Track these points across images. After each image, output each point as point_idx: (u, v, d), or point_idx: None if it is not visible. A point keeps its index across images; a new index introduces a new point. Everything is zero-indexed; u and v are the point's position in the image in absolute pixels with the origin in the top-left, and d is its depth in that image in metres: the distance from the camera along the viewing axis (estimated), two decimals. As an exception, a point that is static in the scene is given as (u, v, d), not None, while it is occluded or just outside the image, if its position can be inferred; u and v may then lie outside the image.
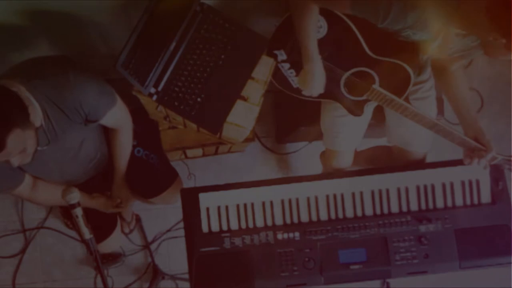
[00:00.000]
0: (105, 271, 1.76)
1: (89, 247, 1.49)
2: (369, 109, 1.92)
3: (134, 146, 1.91)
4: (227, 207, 1.67)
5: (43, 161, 1.60)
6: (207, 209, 1.67)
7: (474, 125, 1.65)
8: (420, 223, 1.66)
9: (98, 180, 1.93)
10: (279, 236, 1.65)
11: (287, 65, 1.85)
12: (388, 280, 2.41)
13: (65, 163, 1.70)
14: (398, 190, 1.69)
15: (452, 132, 1.61)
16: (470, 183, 1.70)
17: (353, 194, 1.69)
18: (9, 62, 1.92)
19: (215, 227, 1.67)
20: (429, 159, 1.93)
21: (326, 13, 1.64)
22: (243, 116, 1.79)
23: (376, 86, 1.65)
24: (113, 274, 2.47)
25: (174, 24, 1.69)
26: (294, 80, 1.87)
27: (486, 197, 1.70)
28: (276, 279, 1.63)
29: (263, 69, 1.80)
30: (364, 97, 1.72)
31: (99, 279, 2.41)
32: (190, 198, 1.67)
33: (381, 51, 1.66)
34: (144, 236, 2.53)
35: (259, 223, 1.67)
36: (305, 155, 2.63)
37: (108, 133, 1.82)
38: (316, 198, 1.68)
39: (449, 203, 1.70)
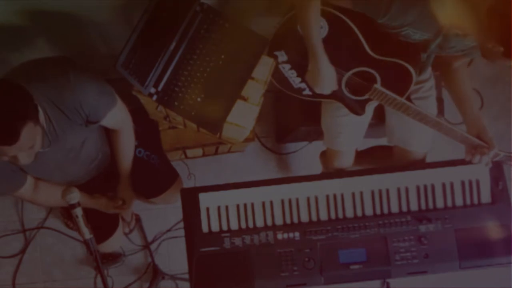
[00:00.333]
0: (105, 271, 1.76)
1: (89, 247, 1.49)
2: (369, 109, 1.92)
3: (135, 147, 1.91)
4: (227, 207, 1.67)
5: (45, 162, 1.60)
6: (207, 209, 1.67)
7: (477, 122, 1.65)
8: (420, 223, 1.66)
9: (100, 180, 1.93)
10: (279, 236, 1.65)
11: (288, 66, 1.85)
12: (388, 280, 2.41)
13: (67, 164, 1.70)
14: (398, 190, 1.69)
15: (454, 130, 1.61)
16: (470, 183, 1.70)
17: (353, 194, 1.69)
18: (9, 62, 1.93)
19: (215, 227, 1.67)
20: (429, 159, 1.93)
21: (326, 14, 1.64)
22: (243, 116, 1.79)
23: (378, 85, 1.65)
24: (113, 274, 2.47)
25: (174, 24, 1.69)
26: (295, 80, 1.87)
27: (486, 197, 1.70)
28: (276, 279, 1.63)
29: (263, 69, 1.80)
30: (365, 97, 1.72)
31: (99, 279, 2.41)
32: (190, 198, 1.67)
33: (382, 51, 1.66)
34: (144, 236, 2.53)
35: (259, 223, 1.67)
36: (305, 155, 2.63)
37: (109, 135, 1.83)
38: (316, 198, 1.68)
39: (449, 203, 1.70)
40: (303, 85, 1.88)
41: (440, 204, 1.70)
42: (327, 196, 1.68)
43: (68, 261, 2.53)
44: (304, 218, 1.68)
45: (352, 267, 1.64)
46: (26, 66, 1.51)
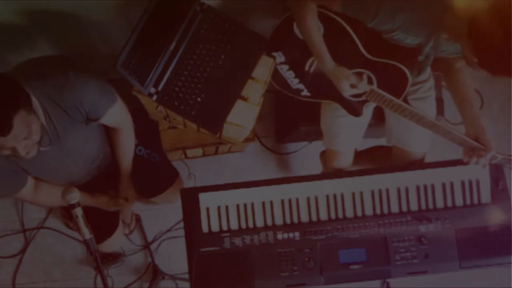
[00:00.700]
0: (105, 271, 1.76)
1: (89, 247, 1.49)
2: (368, 109, 1.92)
3: (135, 145, 1.91)
4: (227, 207, 1.67)
5: (46, 161, 1.60)
6: (207, 209, 1.67)
7: (476, 122, 1.65)
8: (420, 223, 1.66)
9: (101, 180, 1.93)
10: (279, 236, 1.65)
11: (286, 67, 1.85)
12: (388, 280, 2.42)
13: (68, 163, 1.70)
14: (398, 190, 1.69)
15: (452, 131, 1.61)
16: (470, 183, 1.70)
17: (353, 194, 1.69)
18: (9, 62, 1.93)
19: (215, 227, 1.67)
20: (429, 159, 1.93)
21: (321, 16, 1.64)
22: (243, 116, 1.79)
23: (374, 87, 1.66)
24: (113, 274, 2.47)
25: (174, 24, 1.69)
26: (293, 81, 1.87)
27: (486, 197, 1.70)
28: (276, 279, 1.63)
29: (263, 69, 1.80)
30: (362, 98, 1.72)
31: (99, 279, 2.41)
32: (190, 198, 1.67)
33: (378, 53, 1.66)
34: (144, 236, 2.53)
35: (259, 223, 1.67)
36: (305, 155, 2.63)
37: (110, 134, 1.83)
38: (316, 198, 1.68)
39: (449, 203, 1.70)
40: (301, 86, 1.88)
41: (440, 204, 1.70)
42: (327, 196, 1.68)
43: (68, 261, 2.53)
44: (304, 218, 1.68)
45: (352, 267, 1.64)
46: (26, 65, 1.52)
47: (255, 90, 1.80)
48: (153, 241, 2.54)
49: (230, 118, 1.77)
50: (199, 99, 1.74)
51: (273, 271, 1.63)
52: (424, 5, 1.39)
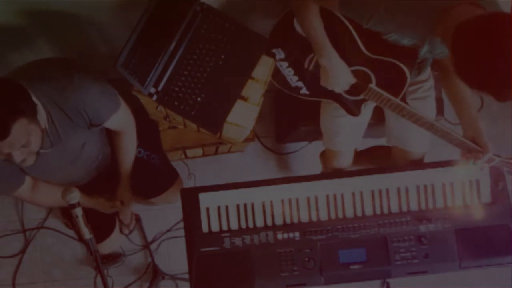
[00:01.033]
0: (105, 271, 1.76)
1: (89, 247, 1.49)
2: (368, 109, 1.92)
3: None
4: (227, 207, 1.67)
5: (46, 162, 1.60)
6: (207, 209, 1.67)
7: (473, 125, 1.65)
8: (420, 223, 1.66)
9: (100, 181, 1.93)
10: (279, 236, 1.65)
11: (285, 64, 1.85)
12: (388, 280, 2.42)
13: (67, 165, 1.70)
14: (398, 190, 1.69)
15: (450, 133, 1.61)
16: (470, 183, 1.70)
17: (353, 194, 1.69)
18: (9, 62, 1.93)
19: (215, 227, 1.66)
20: (429, 159, 1.93)
21: (322, 12, 1.64)
22: (243, 116, 1.79)
23: (372, 85, 1.65)
24: (113, 274, 2.47)
25: (174, 24, 1.69)
26: (292, 79, 1.87)
27: (486, 197, 1.70)
28: (276, 279, 1.63)
29: (263, 69, 1.80)
30: (361, 97, 1.72)
31: (99, 279, 2.40)
32: (190, 198, 1.67)
33: (377, 50, 1.66)
34: (144, 236, 2.53)
35: (259, 223, 1.67)
36: (305, 155, 2.63)
37: (111, 136, 1.82)
38: (316, 198, 1.68)
39: (449, 203, 1.70)
40: (300, 84, 1.88)
41: (440, 204, 1.70)
42: (327, 196, 1.68)
43: (68, 261, 2.53)
44: (304, 218, 1.68)
45: (352, 267, 1.64)
46: (29, 67, 1.51)
47: (255, 90, 1.80)
48: (153, 241, 2.54)
49: (230, 118, 1.77)
50: (199, 99, 1.74)
51: (273, 271, 1.63)
52: (418, 9, 1.39)
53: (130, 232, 2.42)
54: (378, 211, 1.69)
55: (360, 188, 1.69)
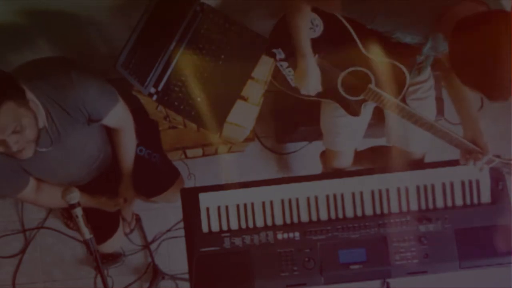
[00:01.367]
0: (105, 271, 1.76)
1: (89, 247, 1.49)
2: (368, 109, 1.92)
3: (136, 145, 1.91)
4: (227, 207, 1.67)
5: (46, 161, 1.60)
6: (207, 209, 1.67)
7: (474, 125, 1.65)
8: (420, 223, 1.66)
9: (101, 180, 1.93)
10: (279, 236, 1.65)
11: (285, 64, 1.85)
12: (388, 280, 2.41)
13: (68, 164, 1.70)
14: (398, 190, 1.69)
15: (449, 133, 1.61)
16: (470, 183, 1.70)
17: (353, 194, 1.69)
18: (9, 62, 1.93)
19: (215, 227, 1.67)
20: (429, 159, 1.93)
21: (322, 13, 1.64)
22: (243, 116, 1.79)
23: (372, 86, 1.66)
24: (113, 274, 2.47)
25: (174, 24, 1.69)
26: (292, 79, 1.87)
27: (486, 197, 1.70)
28: (276, 279, 1.63)
29: (263, 69, 1.80)
30: (361, 97, 1.72)
31: (99, 279, 2.40)
32: (190, 198, 1.67)
33: (377, 51, 1.66)
34: (144, 236, 2.53)
35: (259, 223, 1.67)
36: (305, 155, 2.63)
37: (111, 134, 1.83)
38: (316, 198, 1.68)
39: (449, 203, 1.70)
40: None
41: (440, 204, 1.69)
42: (327, 196, 1.68)
43: (68, 261, 2.53)
44: (304, 218, 1.68)
45: (352, 267, 1.64)
46: (27, 66, 1.52)
47: (255, 90, 1.80)
48: (153, 241, 2.54)
49: (230, 118, 1.77)
50: (199, 99, 1.74)
51: (273, 271, 1.63)
52: (421, 7, 1.39)
53: (131, 231, 2.43)
54: (378, 211, 1.69)
55: (360, 188, 1.69)
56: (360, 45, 1.66)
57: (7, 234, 2.51)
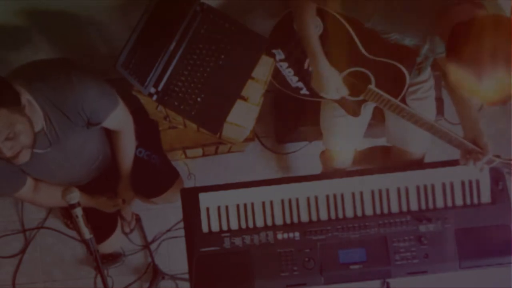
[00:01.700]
0: (105, 271, 1.76)
1: (89, 247, 1.49)
2: (368, 109, 1.92)
3: (136, 147, 1.91)
4: (227, 207, 1.67)
5: (45, 163, 1.60)
6: (207, 209, 1.67)
7: (474, 126, 1.65)
8: (420, 223, 1.66)
9: (100, 181, 1.93)
10: (279, 236, 1.65)
11: (285, 64, 1.85)
12: (388, 280, 2.41)
13: (68, 165, 1.70)
14: (398, 190, 1.69)
15: (449, 133, 1.61)
16: (470, 183, 1.70)
17: (353, 194, 1.69)
18: (9, 62, 1.93)
19: (215, 227, 1.67)
20: (429, 159, 1.93)
21: (321, 13, 1.64)
22: (243, 116, 1.79)
23: (372, 86, 1.66)
24: (113, 274, 2.47)
25: (174, 24, 1.69)
26: (292, 79, 1.87)
27: (486, 197, 1.70)
28: (276, 279, 1.63)
29: (263, 69, 1.80)
30: (360, 98, 1.72)
31: (99, 279, 2.40)
32: (190, 198, 1.67)
33: (377, 51, 1.66)
34: (144, 236, 2.53)
35: (259, 223, 1.67)
36: (305, 155, 2.63)
37: (110, 136, 1.83)
38: (316, 198, 1.68)
39: (449, 203, 1.70)
40: (300, 84, 1.88)
41: (440, 204, 1.69)
42: (327, 196, 1.68)
43: (68, 261, 2.53)
44: (304, 218, 1.68)
45: (352, 267, 1.64)
46: (27, 67, 1.51)
47: (255, 90, 1.80)
48: (153, 241, 2.54)
49: (230, 118, 1.77)
50: (199, 99, 1.74)
51: (273, 271, 1.63)
52: (418, 8, 1.40)
53: (131, 231, 2.43)
54: (378, 211, 1.69)
55: (360, 188, 1.69)
56: (360, 46, 1.66)
57: (7, 234, 2.51)
